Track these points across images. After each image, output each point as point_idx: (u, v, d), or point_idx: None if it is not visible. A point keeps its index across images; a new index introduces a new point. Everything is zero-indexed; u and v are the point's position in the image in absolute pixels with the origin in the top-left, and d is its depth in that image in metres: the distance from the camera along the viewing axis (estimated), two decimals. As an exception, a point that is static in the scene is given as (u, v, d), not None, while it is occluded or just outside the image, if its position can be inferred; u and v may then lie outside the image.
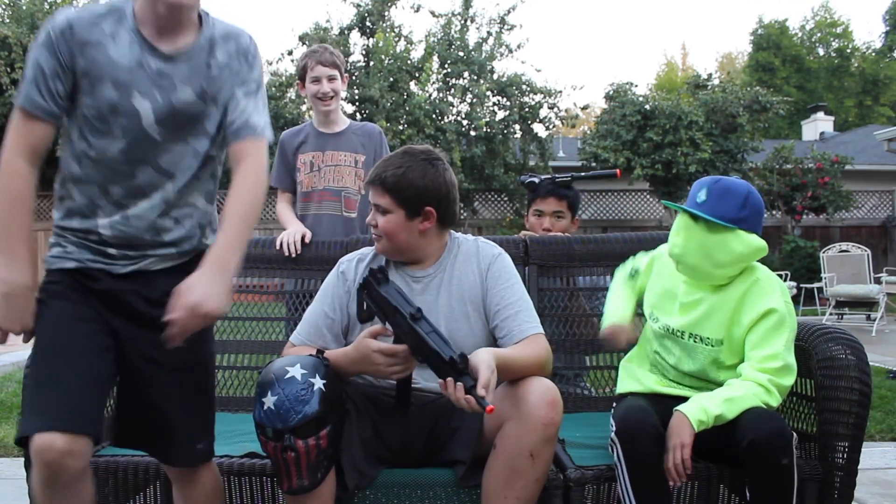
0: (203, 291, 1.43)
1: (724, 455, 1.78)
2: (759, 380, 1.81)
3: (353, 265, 1.98)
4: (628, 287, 2.17)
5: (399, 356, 1.69)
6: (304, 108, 13.19)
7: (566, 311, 2.55)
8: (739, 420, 1.75)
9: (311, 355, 1.71)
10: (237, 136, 1.59)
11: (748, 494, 1.74)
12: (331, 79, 2.94)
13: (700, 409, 1.75)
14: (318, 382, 1.62)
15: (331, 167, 2.97)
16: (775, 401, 1.81)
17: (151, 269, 1.61)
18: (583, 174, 3.10)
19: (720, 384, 1.88)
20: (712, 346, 1.90)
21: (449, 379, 1.57)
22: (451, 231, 1.99)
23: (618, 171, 3.30)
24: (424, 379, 1.84)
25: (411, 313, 1.68)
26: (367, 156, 3.00)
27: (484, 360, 1.59)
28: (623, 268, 2.23)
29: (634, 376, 2.02)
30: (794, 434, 1.75)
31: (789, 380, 1.84)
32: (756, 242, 1.89)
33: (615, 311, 2.11)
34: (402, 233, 1.88)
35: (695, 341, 1.93)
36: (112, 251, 1.58)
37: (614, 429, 1.78)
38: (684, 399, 1.84)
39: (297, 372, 1.62)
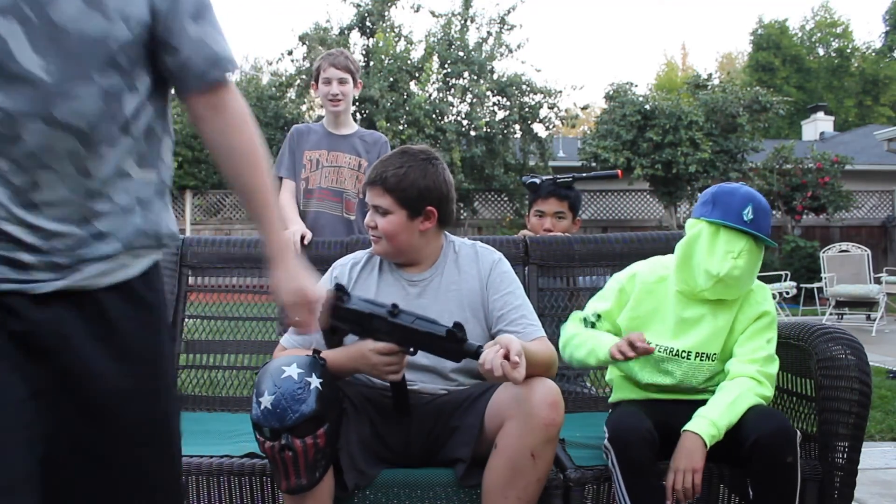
0: (294, 282, 1.33)
1: (725, 454, 1.78)
2: (748, 372, 1.83)
3: (346, 270, 1.96)
4: (596, 329, 1.97)
5: (396, 354, 1.70)
6: (303, 108, 13.21)
7: (566, 312, 2.54)
8: (743, 419, 1.75)
9: (307, 354, 1.70)
10: (203, 79, 1.21)
11: (751, 493, 1.73)
12: (341, 81, 3.00)
13: (710, 424, 1.74)
14: (315, 381, 1.61)
15: (333, 168, 3.01)
16: (768, 390, 1.83)
17: (95, 287, 1.16)
18: (584, 175, 3.09)
19: (712, 391, 1.87)
20: (714, 361, 1.90)
21: (486, 352, 1.58)
22: (447, 234, 1.99)
23: (619, 171, 3.29)
24: (423, 381, 1.84)
25: (388, 311, 1.68)
26: (370, 163, 3.02)
27: (509, 337, 1.63)
28: (572, 321, 2.02)
29: (629, 385, 2.01)
30: (798, 432, 1.76)
31: (774, 367, 1.88)
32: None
33: (603, 340, 1.87)
34: (402, 233, 1.86)
35: (701, 360, 1.90)
36: (26, 257, 1.11)
37: (607, 435, 1.78)
38: (681, 402, 1.84)
39: (293, 371, 1.61)
